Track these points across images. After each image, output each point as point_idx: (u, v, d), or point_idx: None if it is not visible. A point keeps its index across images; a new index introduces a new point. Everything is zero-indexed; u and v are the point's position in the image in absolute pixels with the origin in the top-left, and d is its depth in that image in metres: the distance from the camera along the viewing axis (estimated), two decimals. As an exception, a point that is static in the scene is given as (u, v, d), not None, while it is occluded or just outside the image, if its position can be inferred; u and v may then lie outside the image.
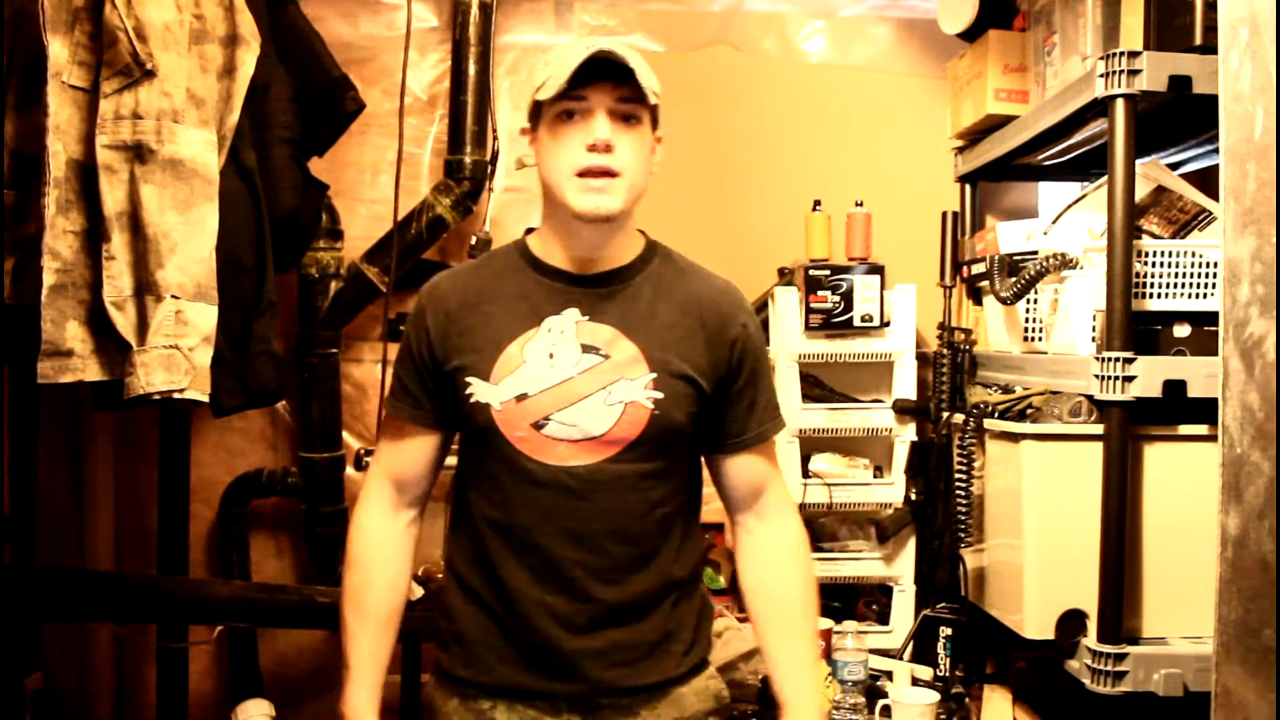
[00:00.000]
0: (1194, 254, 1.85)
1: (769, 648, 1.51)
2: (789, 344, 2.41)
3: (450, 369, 1.44)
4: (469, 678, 1.45)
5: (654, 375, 1.41)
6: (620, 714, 1.43)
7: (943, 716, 2.02)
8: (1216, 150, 1.34)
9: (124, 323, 1.66)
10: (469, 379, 1.42)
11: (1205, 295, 1.85)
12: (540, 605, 1.40)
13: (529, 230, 1.52)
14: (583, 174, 1.36)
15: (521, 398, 1.40)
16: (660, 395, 1.41)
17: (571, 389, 1.40)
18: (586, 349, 1.41)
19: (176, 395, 1.67)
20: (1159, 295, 1.85)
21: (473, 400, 1.41)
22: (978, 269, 2.35)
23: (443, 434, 1.50)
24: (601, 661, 1.41)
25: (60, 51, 1.64)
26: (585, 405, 1.40)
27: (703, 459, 1.55)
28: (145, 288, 1.67)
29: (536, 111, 1.41)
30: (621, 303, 1.44)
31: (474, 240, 2.49)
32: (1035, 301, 2.11)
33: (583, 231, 1.41)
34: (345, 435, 2.58)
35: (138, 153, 1.66)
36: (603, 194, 1.36)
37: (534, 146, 1.44)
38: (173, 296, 1.67)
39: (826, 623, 2.27)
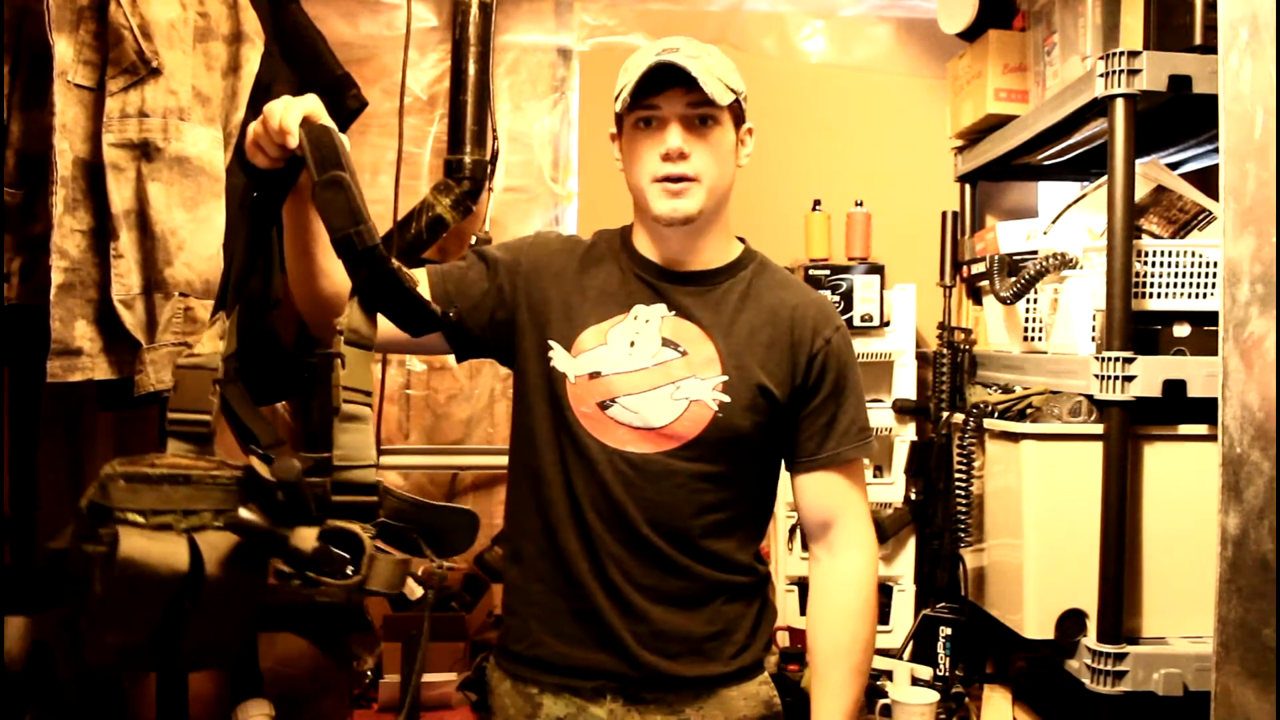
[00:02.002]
0: (1194, 254, 1.86)
1: (811, 692, 1.48)
2: (789, 344, 2.41)
3: (536, 322, 1.46)
4: (520, 652, 1.47)
5: (725, 378, 1.42)
6: (664, 709, 1.43)
7: (943, 716, 2.03)
8: (1216, 150, 1.35)
9: (132, 321, 1.66)
10: (552, 342, 1.45)
11: (1205, 295, 1.86)
12: (593, 575, 1.42)
13: (631, 224, 1.55)
14: (659, 180, 1.40)
15: (594, 375, 1.43)
16: (727, 399, 1.42)
17: (644, 378, 1.42)
18: (667, 343, 1.44)
19: (186, 392, 1.67)
20: (1159, 295, 1.85)
21: (552, 365, 1.44)
22: (978, 269, 2.36)
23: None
24: (644, 644, 1.42)
25: (65, 50, 1.64)
26: (652, 395, 1.42)
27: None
28: (153, 285, 1.67)
29: (619, 117, 1.44)
30: (709, 304, 1.47)
31: (474, 240, 2.49)
32: (1035, 301, 2.11)
33: (667, 233, 1.45)
34: (345, 435, 2.58)
35: (144, 151, 1.66)
36: (679, 197, 1.40)
37: (620, 151, 1.48)
38: (181, 294, 1.67)
39: (826, 622, 2.27)
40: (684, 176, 1.39)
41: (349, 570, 1.05)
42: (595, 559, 1.42)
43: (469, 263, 1.51)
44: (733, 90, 1.41)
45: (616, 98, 1.42)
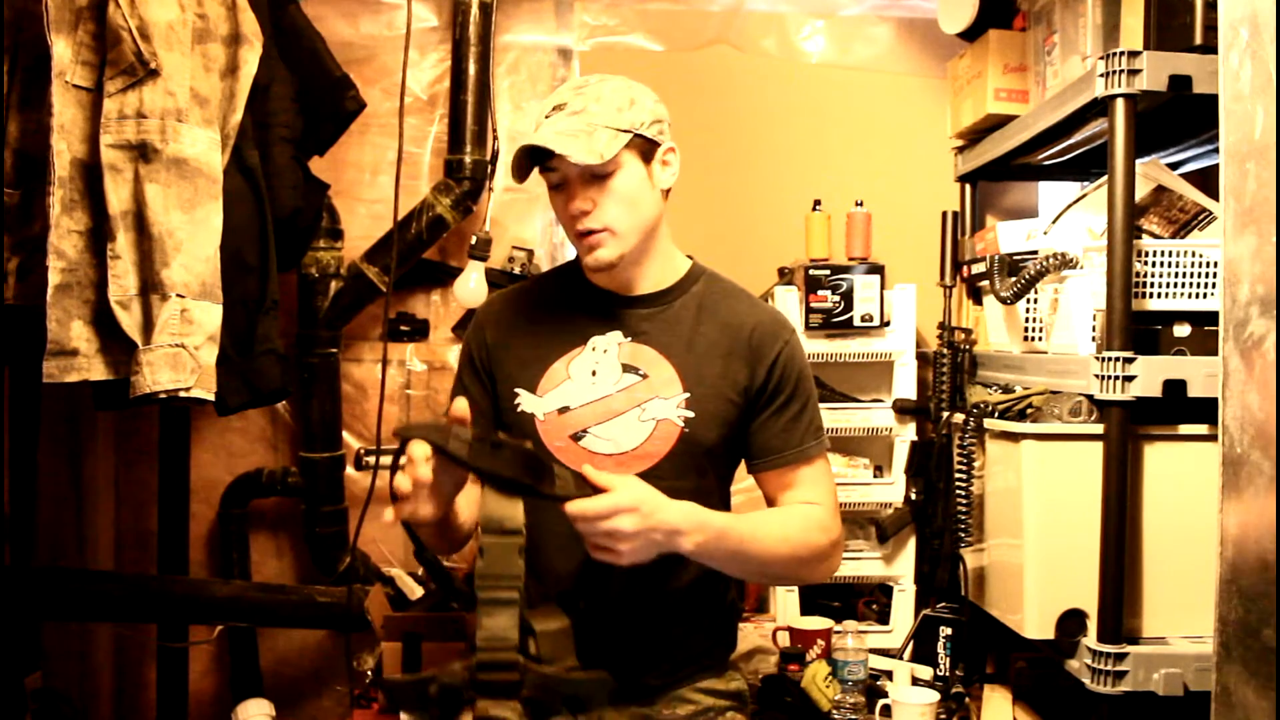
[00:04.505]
0: (1194, 254, 1.85)
1: None
2: (789, 344, 2.41)
3: (502, 378, 1.53)
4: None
5: (687, 395, 1.47)
6: (639, 704, 1.48)
7: (943, 716, 2.03)
8: (1216, 150, 1.35)
9: (129, 322, 1.66)
10: (517, 390, 1.50)
11: (1205, 295, 1.85)
12: (579, 595, 1.44)
13: None
14: (578, 235, 1.46)
15: (563, 410, 1.47)
16: (691, 414, 1.46)
17: (610, 405, 1.47)
18: (627, 369, 1.49)
19: (182, 394, 1.68)
20: (1159, 295, 1.85)
21: (519, 410, 1.49)
22: (978, 269, 2.35)
23: None
24: (626, 658, 1.45)
25: (64, 51, 1.64)
26: (621, 421, 1.46)
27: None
28: (150, 287, 1.67)
29: None
30: (663, 324, 1.51)
31: (474, 240, 2.49)
32: (1035, 301, 2.11)
33: (602, 274, 1.51)
34: (345, 435, 2.58)
35: (142, 152, 1.67)
36: (597, 249, 1.45)
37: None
38: (178, 295, 1.67)
39: (826, 622, 2.27)
40: (593, 230, 1.44)
41: None
42: (582, 582, 1.45)
43: (467, 380, 1.58)
44: (626, 130, 1.42)
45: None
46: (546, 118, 1.42)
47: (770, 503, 1.55)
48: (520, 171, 1.45)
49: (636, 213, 1.46)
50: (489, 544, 1.24)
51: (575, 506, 1.26)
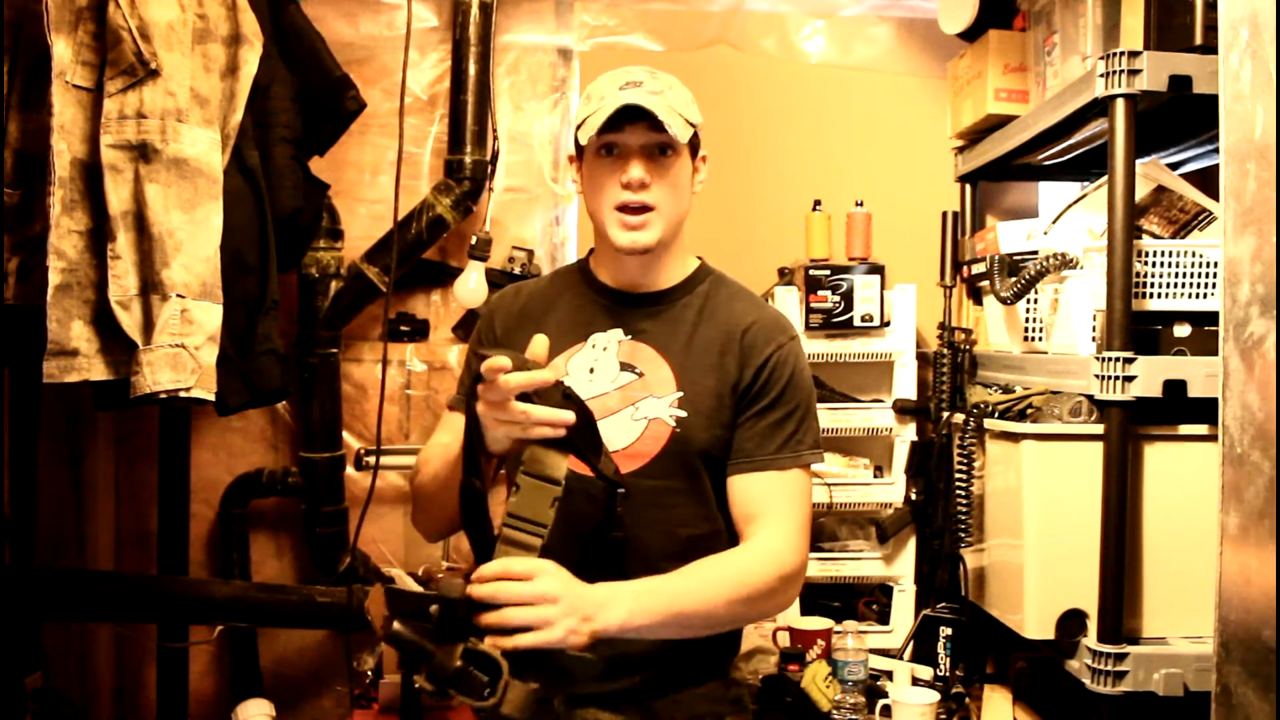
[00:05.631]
0: (1194, 254, 1.85)
1: None
2: (789, 344, 2.40)
3: None
4: None
5: (680, 394, 1.45)
6: (636, 708, 1.46)
7: (943, 716, 2.03)
8: (1216, 150, 1.35)
9: (129, 322, 1.66)
10: None
11: (1205, 295, 1.85)
12: None
13: (592, 250, 1.59)
14: (620, 209, 1.44)
15: None
16: (684, 414, 1.45)
17: (605, 403, 1.45)
18: (625, 367, 1.48)
19: (182, 394, 1.68)
20: (1159, 295, 1.85)
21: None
22: (978, 269, 2.36)
23: None
24: (624, 661, 1.43)
25: (64, 51, 1.65)
26: (614, 419, 1.45)
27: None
28: (151, 287, 1.67)
29: (579, 144, 1.48)
30: (664, 324, 1.50)
31: (474, 240, 2.49)
32: (1035, 301, 2.11)
33: (626, 260, 1.49)
34: (345, 435, 2.58)
35: (142, 152, 1.67)
36: (639, 230, 1.44)
37: (579, 175, 1.52)
38: (178, 295, 1.68)
39: (826, 622, 2.27)
40: (644, 206, 1.43)
41: (485, 692, 1.13)
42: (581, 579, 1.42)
43: (477, 364, 1.53)
44: (691, 124, 1.45)
45: (578, 126, 1.45)
46: (621, 89, 1.42)
47: (734, 519, 1.47)
48: (602, 131, 1.40)
49: (679, 203, 1.48)
50: (525, 483, 1.21)
51: (491, 569, 1.19)
